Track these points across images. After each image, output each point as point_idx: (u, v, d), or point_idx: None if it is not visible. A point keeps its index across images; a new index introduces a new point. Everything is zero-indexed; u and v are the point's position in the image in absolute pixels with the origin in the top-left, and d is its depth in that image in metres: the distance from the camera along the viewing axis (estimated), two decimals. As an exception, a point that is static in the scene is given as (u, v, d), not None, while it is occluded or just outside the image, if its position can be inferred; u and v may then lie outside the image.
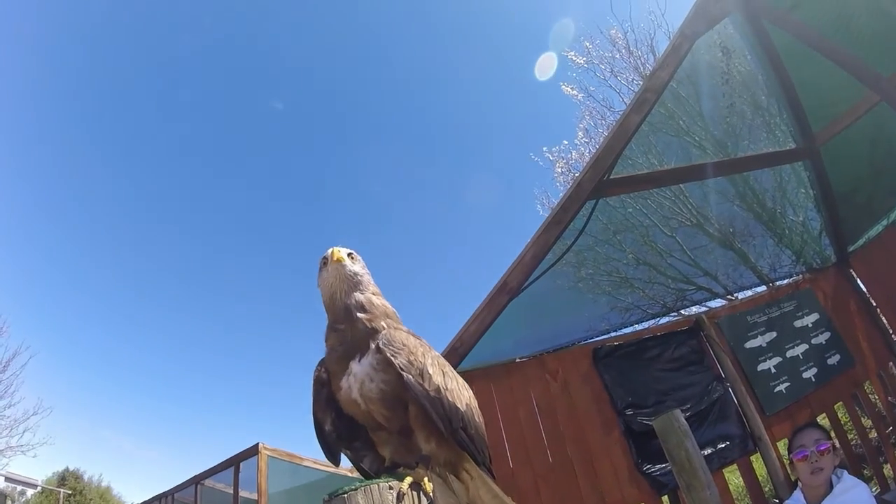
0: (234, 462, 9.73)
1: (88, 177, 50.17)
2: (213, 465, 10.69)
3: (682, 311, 7.14)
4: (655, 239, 6.77)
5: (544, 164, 17.06)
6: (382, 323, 1.88)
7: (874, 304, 6.27)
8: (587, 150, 15.25)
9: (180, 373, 63.01)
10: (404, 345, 1.82)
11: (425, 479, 1.73)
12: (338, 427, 1.94)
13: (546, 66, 16.57)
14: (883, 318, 6.19)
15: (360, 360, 1.80)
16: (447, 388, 1.88)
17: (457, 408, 1.89)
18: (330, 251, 1.93)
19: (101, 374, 58.21)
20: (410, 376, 1.75)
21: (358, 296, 1.90)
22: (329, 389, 1.91)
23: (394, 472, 1.81)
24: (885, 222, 6.32)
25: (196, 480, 11.01)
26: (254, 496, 8.91)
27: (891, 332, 6.09)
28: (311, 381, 1.97)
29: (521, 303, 4.45)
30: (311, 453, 9.85)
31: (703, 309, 6.50)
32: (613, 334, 5.64)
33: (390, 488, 1.54)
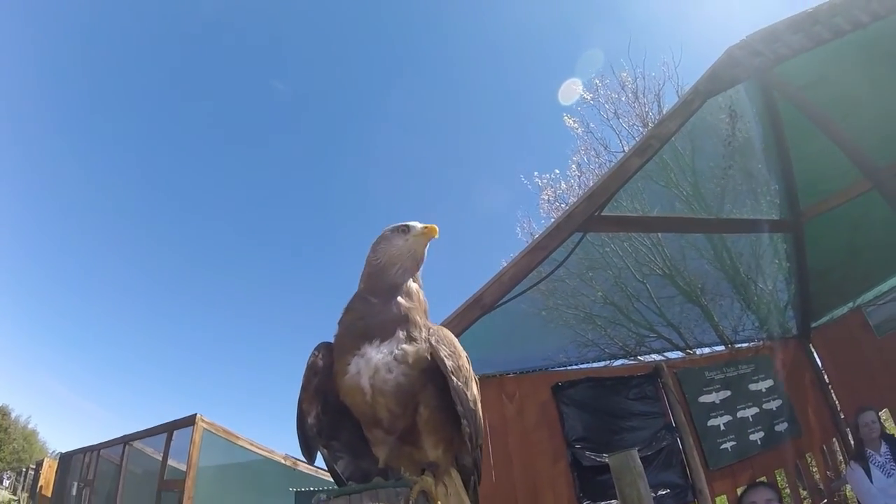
0: (168, 429, 9.20)
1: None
2: (145, 428, 10.17)
3: (640, 357, 6.97)
4: (626, 282, 6.60)
5: (532, 188, 16.61)
6: (419, 317, 1.58)
7: (827, 382, 6.11)
8: (577, 184, 14.92)
9: (136, 334, 61.54)
10: (455, 347, 1.58)
11: (433, 487, 1.52)
12: (321, 421, 1.66)
13: (569, 92, 16.23)
14: (834, 396, 6.03)
15: (380, 346, 1.49)
16: (479, 403, 1.65)
17: (482, 424, 1.67)
18: (429, 227, 1.63)
19: (49, 318, 56.03)
20: (459, 382, 1.51)
21: (412, 283, 1.63)
22: (321, 379, 1.62)
23: (400, 477, 1.59)
24: (850, 305, 6.19)
25: (125, 440, 10.43)
26: (182, 466, 8.43)
27: (839, 410, 5.93)
28: (304, 366, 1.66)
29: (488, 321, 4.17)
30: (249, 435, 9.50)
31: (661, 358, 6.35)
32: (572, 367, 5.44)
33: (398, 494, 1.39)
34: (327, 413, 1.65)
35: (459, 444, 1.62)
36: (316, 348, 1.66)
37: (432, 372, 1.50)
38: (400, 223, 1.68)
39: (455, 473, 1.73)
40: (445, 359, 1.49)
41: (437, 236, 1.63)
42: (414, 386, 1.49)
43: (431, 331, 1.56)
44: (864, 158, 4.09)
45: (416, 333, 1.53)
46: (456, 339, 1.62)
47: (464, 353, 1.62)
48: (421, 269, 1.69)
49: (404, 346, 1.49)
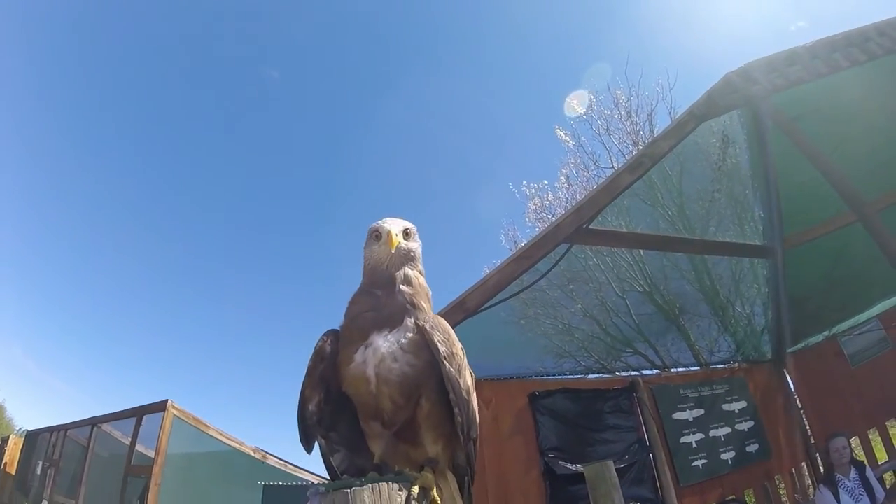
0: (137, 413, 8.92)
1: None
2: (115, 412, 9.83)
3: (616, 373, 7.00)
4: (606, 296, 6.61)
5: (520, 196, 16.50)
6: (423, 303, 1.61)
7: (800, 407, 6.20)
8: (565, 196, 14.92)
9: (110, 315, 59.58)
10: (449, 334, 1.56)
11: (433, 483, 1.50)
12: (322, 410, 1.61)
13: (574, 103, 16.20)
14: (805, 422, 6.12)
15: (387, 335, 1.49)
16: (473, 393, 1.63)
17: (476, 416, 1.64)
18: (387, 232, 1.62)
19: (20, 291, 54.09)
20: (451, 369, 1.49)
21: (407, 270, 1.64)
22: (326, 366, 1.59)
23: (400, 473, 1.52)
24: (826, 333, 6.28)
25: (94, 422, 10.09)
26: (150, 452, 8.23)
27: (810, 435, 6.02)
28: (312, 351, 1.62)
29: (467, 326, 4.15)
30: (219, 425, 9.35)
31: (636, 374, 6.39)
32: (550, 378, 5.47)
33: (400, 490, 1.33)
34: (329, 403, 1.62)
35: (457, 440, 1.61)
36: (325, 334, 1.64)
37: (435, 364, 1.49)
38: (375, 225, 1.69)
39: (451, 476, 1.72)
40: (439, 344, 1.48)
41: (395, 242, 1.61)
42: (419, 377, 1.48)
43: (427, 317, 1.56)
44: (851, 191, 4.15)
45: (422, 321, 1.53)
46: (451, 328, 1.61)
47: (458, 343, 1.61)
48: (417, 254, 1.71)
49: (411, 334, 1.50)
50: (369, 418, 1.57)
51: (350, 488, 1.22)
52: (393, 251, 1.61)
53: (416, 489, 1.39)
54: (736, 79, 4.34)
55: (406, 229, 1.70)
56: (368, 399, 1.50)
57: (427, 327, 1.51)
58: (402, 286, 1.59)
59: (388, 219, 1.69)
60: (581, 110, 14.58)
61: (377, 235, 1.67)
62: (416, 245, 1.72)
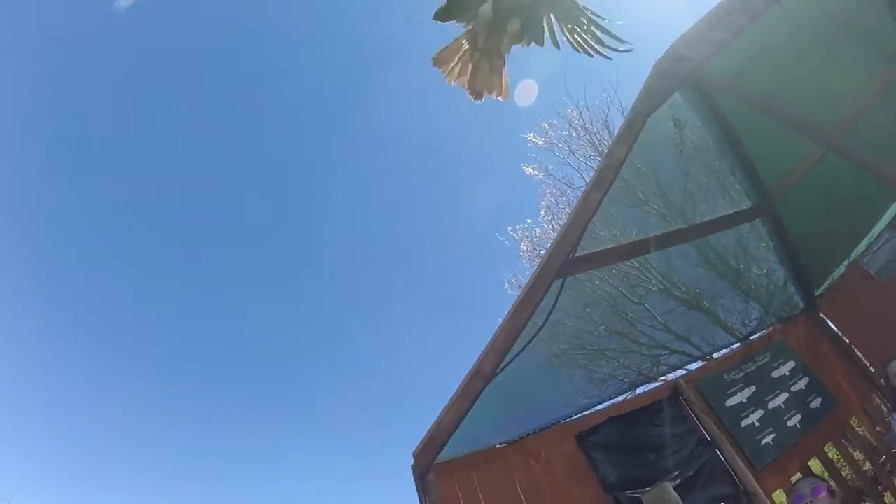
0: None
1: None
2: None
3: (661, 378, 6.89)
4: (625, 308, 6.58)
5: (510, 243, 16.83)
6: None
7: (847, 342, 6.06)
8: (551, 227, 15.24)
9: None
10: None
11: None
12: None
13: (527, 92, 16.35)
14: (858, 353, 5.98)
15: None
16: None
17: None
18: None
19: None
20: None
21: None
22: None
23: None
24: (846, 262, 6.16)
25: None
26: None
27: (868, 365, 5.86)
28: None
29: (497, 386, 4.17)
30: None
31: (683, 373, 6.27)
32: (594, 410, 5.30)
33: None
34: None
35: None
36: None
37: None
38: None
39: None
40: None
41: None
42: None
43: None
44: (810, 127, 4.13)
45: None
46: None
47: None
48: None
49: None
50: None
51: None
52: None
53: None
54: (665, 64, 4.30)
55: None
56: None
57: None
58: None
59: None
60: (539, 141, 14.95)
61: None
62: None
